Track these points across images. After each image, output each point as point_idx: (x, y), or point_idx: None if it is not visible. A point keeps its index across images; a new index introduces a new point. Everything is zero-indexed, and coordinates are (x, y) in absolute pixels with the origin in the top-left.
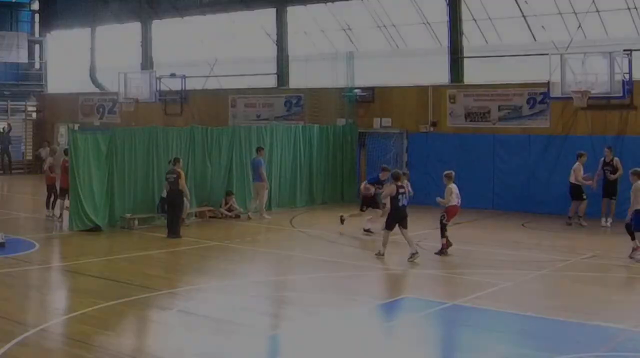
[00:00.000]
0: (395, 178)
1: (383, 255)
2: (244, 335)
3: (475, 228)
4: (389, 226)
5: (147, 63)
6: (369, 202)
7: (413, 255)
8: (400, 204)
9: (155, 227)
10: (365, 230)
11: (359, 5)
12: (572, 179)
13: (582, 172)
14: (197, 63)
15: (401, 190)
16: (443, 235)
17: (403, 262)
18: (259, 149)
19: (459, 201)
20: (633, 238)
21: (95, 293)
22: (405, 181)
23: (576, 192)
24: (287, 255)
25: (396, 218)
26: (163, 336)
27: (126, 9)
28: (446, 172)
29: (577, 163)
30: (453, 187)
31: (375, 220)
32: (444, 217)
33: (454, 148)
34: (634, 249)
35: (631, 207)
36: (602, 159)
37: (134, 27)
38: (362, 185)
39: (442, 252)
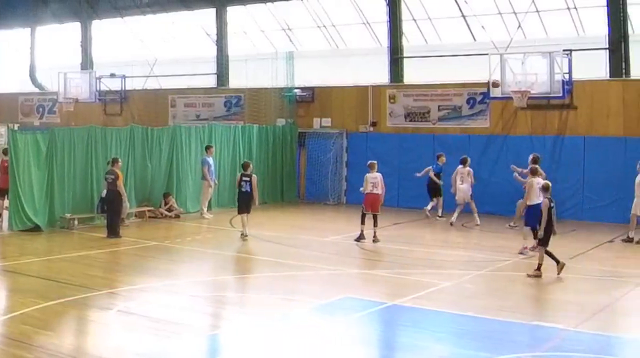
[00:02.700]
0: (243, 167)
1: (245, 236)
2: (183, 335)
3: (416, 228)
4: (238, 209)
5: (86, 63)
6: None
7: (244, 236)
8: (243, 190)
9: (95, 227)
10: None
11: (299, 5)
12: None
13: None
14: (137, 63)
15: (244, 178)
16: (362, 222)
17: (343, 262)
18: (207, 148)
19: (375, 189)
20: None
21: (35, 293)
22: None
23: None
24: (227, 255)
25: (239, 201)
26: (103, 336)
27: (66, 9)
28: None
29: None
30: (368, 176)
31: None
32: (363, 207)
33: (393, 148)
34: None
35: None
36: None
37: (73, 27)
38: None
39: (359, 239)
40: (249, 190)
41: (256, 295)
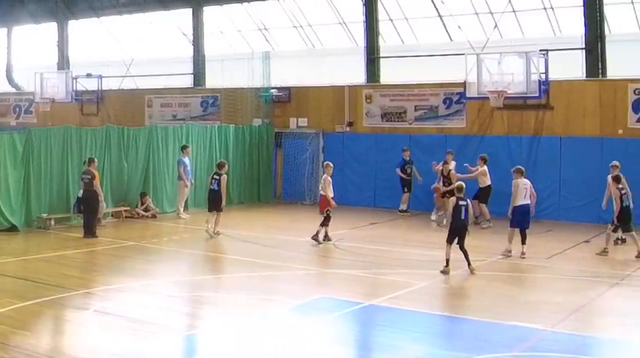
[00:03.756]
0: (217, 166)
1: (209, 233)
2: (160, 335)
3: (391, 228)
4: (208, 208)
5: (63, 63)
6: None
7: (215, 233)
8: (211, 188)
9: (72, 226)
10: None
11: (275, 5)
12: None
13: None
14: (113, 63)
15: (215, 176)
16: (321, 224)
17: (320, 262)
18: (183, 148)
19: (322, 191)
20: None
21: (11, 293)
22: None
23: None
24: (204, 255)
25: (208, 200)
26: (79, 336)
27: (43, 9)
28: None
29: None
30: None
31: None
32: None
33: (370, 148)
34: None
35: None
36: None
37: (50, 27)
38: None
39: (315, 238)
40: (216, 188)
41: (233, 295)
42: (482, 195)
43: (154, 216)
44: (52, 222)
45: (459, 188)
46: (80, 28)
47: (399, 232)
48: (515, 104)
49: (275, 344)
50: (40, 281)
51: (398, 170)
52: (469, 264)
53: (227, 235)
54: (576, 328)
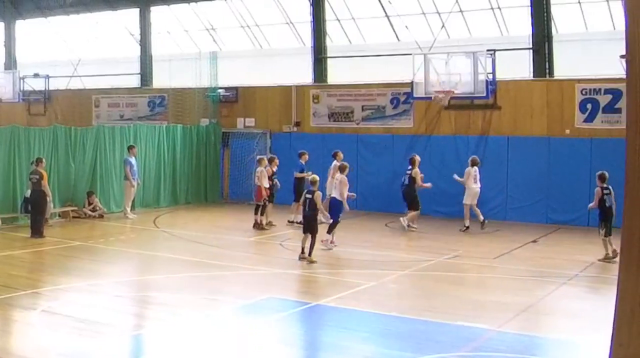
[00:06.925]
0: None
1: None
2: (108, 335)
3: (339, 228)
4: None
5: (10, 63)
6: None
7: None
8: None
9: (19, 226)
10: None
11: (223, 5)
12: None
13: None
14: (60, 63)
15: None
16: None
17: (266, 262)
18: (130, 148)
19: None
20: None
21: None
22: None
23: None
24: (151, 255)
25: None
26: (27, 336)
27: None
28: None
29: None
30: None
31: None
32: None
33: (317, 148)
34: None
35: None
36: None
37: None
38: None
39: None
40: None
41: (180, 295)
42: None
43: (101, 216)
44: None
45: (312, 181)
46: (28, 28)
47: (346, 232)
48: (463, 104)
49: (221, 344)
50: None
51: (297, 174)
52: (308, 253)
53: (174, 236)
54: (523, 328)
